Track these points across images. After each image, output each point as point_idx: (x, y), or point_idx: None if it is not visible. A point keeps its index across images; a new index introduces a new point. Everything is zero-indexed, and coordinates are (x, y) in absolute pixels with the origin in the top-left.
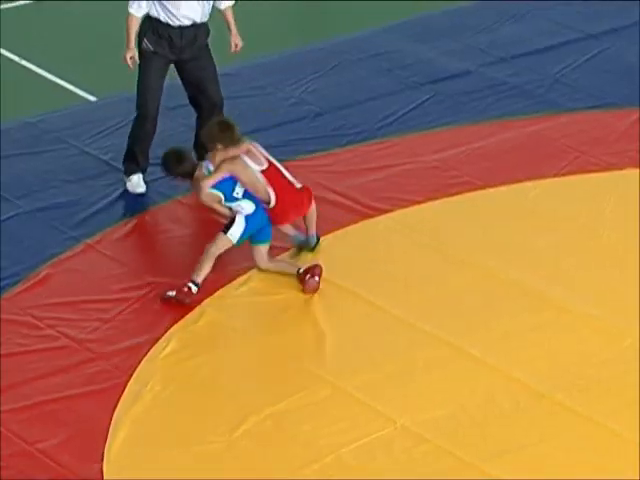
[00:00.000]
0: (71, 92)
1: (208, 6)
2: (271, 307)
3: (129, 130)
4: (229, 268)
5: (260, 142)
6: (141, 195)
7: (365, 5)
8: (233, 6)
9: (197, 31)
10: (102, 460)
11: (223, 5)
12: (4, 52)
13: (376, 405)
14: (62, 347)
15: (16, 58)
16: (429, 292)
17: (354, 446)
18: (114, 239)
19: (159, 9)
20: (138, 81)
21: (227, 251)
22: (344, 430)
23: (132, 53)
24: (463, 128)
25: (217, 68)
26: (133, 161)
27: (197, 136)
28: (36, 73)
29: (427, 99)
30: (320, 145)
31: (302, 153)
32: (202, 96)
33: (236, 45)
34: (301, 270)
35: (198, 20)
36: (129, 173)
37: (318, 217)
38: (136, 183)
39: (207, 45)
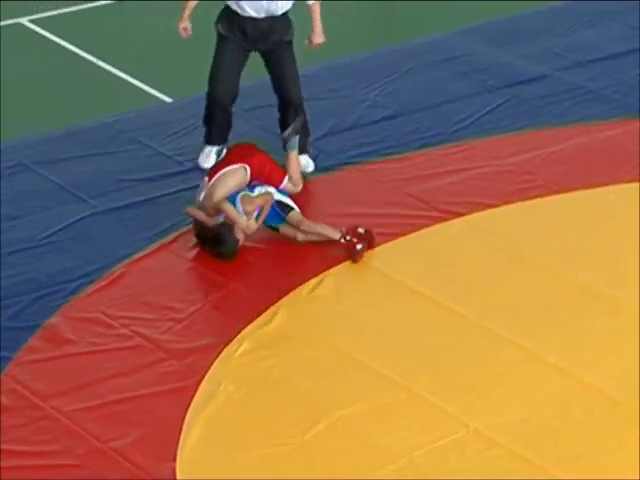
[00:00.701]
0: (147, 93)
1: (281, 2)
2: (343, 310)
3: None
4: (302, 270)
5: (335, 144)
6: None
7: (441, 8)
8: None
9: (273, 24)
10: (175, 460)
11: (310, 2)
12: (81, 53)
13: (448, 408)
14: (135, 346)
15: (93, 59)
16: (503, 296)
17: (427, 449)
18: (188, 239)
19: None
20: (212, 60)
21: (300, 254)
22: (417, 433)
23: (185, 24)
24: (539, 132)
25: None
26: (210, 137)
27: (281, 128)
28: (112, 74)
29: (503, 102)
30: (395, 148)
31: (376, 156)
32: (280, 91)
33: (310, 42)
34: (343, 238)
35: (264, 14)
36: (205, 142)
37: (393, 219)
38: (205, 156)
39: (290, 42)
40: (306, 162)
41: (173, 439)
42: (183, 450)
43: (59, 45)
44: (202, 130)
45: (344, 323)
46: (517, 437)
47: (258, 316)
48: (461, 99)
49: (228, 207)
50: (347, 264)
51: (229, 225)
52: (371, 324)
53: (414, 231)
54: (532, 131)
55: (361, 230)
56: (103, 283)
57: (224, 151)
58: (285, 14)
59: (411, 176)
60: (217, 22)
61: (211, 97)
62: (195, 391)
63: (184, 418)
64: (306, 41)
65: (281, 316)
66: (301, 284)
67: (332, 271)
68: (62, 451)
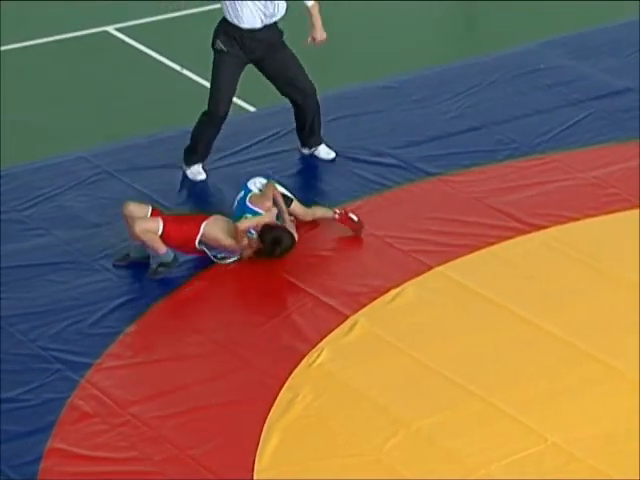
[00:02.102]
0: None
1: (274, 7)
2: (422, 321)
3: (198, 127)
4: (382, 281)
5: (416, 155)
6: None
7: (526, 20)
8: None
9: (269, 32)
10: (253, 469)
11: (310, 3)
12: (165, 61)
13: (527, 421)
14: (215, 355)
15: (177, 67)
16: (583, 309)
17: (504, 462)
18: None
19: (230, 10)
20: (211, 78)
21: (379, 265)
22: (495, 446)
23: None
24: (622, 145)
25: (378, 81)
26: (195, 153)
27: (297, 123)
28: (196, 82)
29: (586, 116)
30: (477, 159)
31: (458, 167)
32: (291, 88)
33: (314, 39)
34: (336, 214)
35: (261, 24)
36: (190, 163)
37: (473, 231)
38: (196, 171)
39: (283, 42)
40: (327, 151)
41: (251, 448)
42: (261, 459)
43: (144, 53)
44: (287, 138)
45: (424, 334)
46: (596, 452)
47: (338, 326)
48: (545, 112)
49: (246, 225)
50: (427, 275)
51: (277, 225)
52: (450, 336)
53: (495, 243)
54: (616, 144)
55: (353, 216)
56: (185, 292)
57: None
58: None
59: (493, 188)
60: (214, 38)
61: (212, 115)
62: (274, 400)
63: (262, 427)
64: (309, 39)
65: (361, 326)
66: (380, 295)
67: (412, 282)
68: (140, 458)
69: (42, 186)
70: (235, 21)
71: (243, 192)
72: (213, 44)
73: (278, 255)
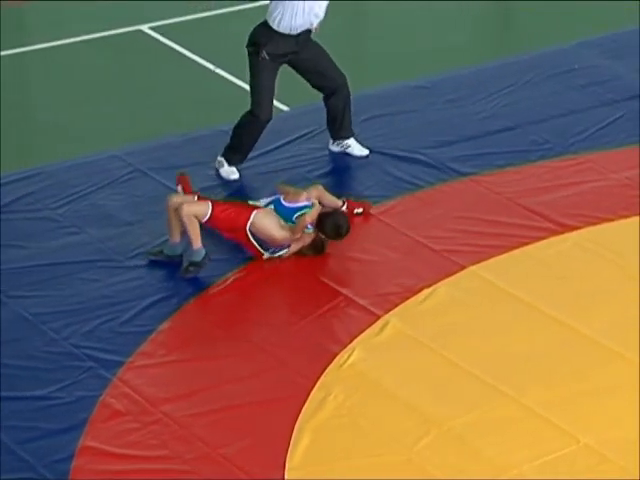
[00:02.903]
0: None
1: (319, 8)
2: (454, 320)
3: (244, 129)
4: (414, 281)
5: (450, 155)
6: None
7: (561, 20)
8: None
9: (307, 32)
10: (284, 468)
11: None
12: (199, 60)
13: (559, 422)
14: (247, 354)
15: (211, 66)
16: (616, 310)
17: (537, 463)
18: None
19: (281, 17)
20: (253, 83)
21: (412, 264)
22: (526, 446)
23: None
24: None
25: (412, 81)
26: (237, 153)
27: (329, 114)
28: (230, 81)
29: (621, 116)
30: (511, 160)
31: (492, 167)
32: (324, 80)
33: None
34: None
35: (311, 26)
36: (231, 163)
37: (506, 231)
38: (230, 171)
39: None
40: (359, 148)
41: (283, 447)
42: (292, 458)
43: (178, 52)
44: (317, 138)
45: (456, 334)
46: (628, 453)
47: (369, 326)
48: (579, 112)
49: (312, 218)
50: (459, 275)
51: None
52: (482, 335)
53: (527, 244)
54: None
55: (358, 211)
56: (217, 290)
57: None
58: None
59: (526, 188)
60: (259, 47)
61: (257, 119)
62: (306, 399)
63: (294, 426)
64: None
65: (392, 326)
66: (412, 295)
67: (444, 282)
68: (171, 456)
69: (75, 184)
70: (287, 30)
71: (270, 200)
72: (257, 52)
73: (342, 237)
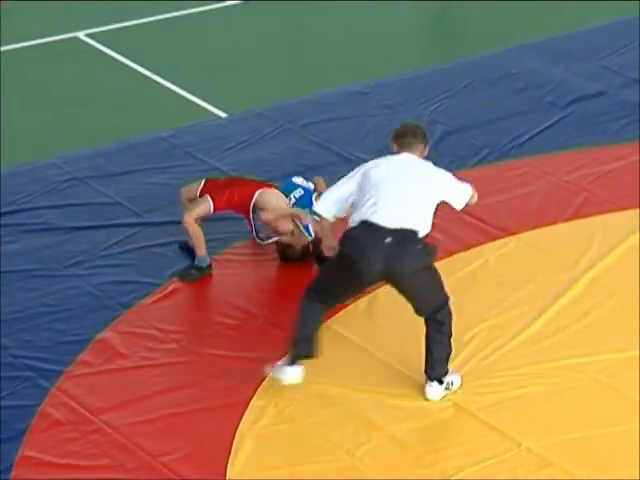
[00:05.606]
0: (202, 108)
1: None
2: (394, 326)
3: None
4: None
5: None
6: None
7: (499, 24)
8: None
9: None
10: (225, 475)
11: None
12: (137, 67)
13: (500, 427)
14: (187, 361)
15: (148, 73)
16: (562, 313)
17: (478, 468)
18: (238, 255)
19: None
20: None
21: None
22: (467, 452)
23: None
24: (595, 149)
25: (351, 86)
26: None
27: None
28: (167, 88)
29: (559, 120)
30: (450, 164)
31: None
32: None
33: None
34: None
35: None
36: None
37: (446, 236)
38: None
39: None
40: (457, 380)
41: (223, 454)
42: (234, 465)
43: (115, 59)
44: (256, 145)
45: (395, 341)
46: (570, 456)
47: None
48: (518, 116)
49: (308, 220)
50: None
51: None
52: (417, 341)
53: (468, 248)
54: (588, 148)
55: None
56: (156, 298)
57: None
58: None
59: None
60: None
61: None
62: (246, 406)
63: (235, 433)
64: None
65: (333, 333)
66: (353, 302)
67: (382, 289)
68: (112, 465)
69: (13, 192)
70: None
71: (302, 190)
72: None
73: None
